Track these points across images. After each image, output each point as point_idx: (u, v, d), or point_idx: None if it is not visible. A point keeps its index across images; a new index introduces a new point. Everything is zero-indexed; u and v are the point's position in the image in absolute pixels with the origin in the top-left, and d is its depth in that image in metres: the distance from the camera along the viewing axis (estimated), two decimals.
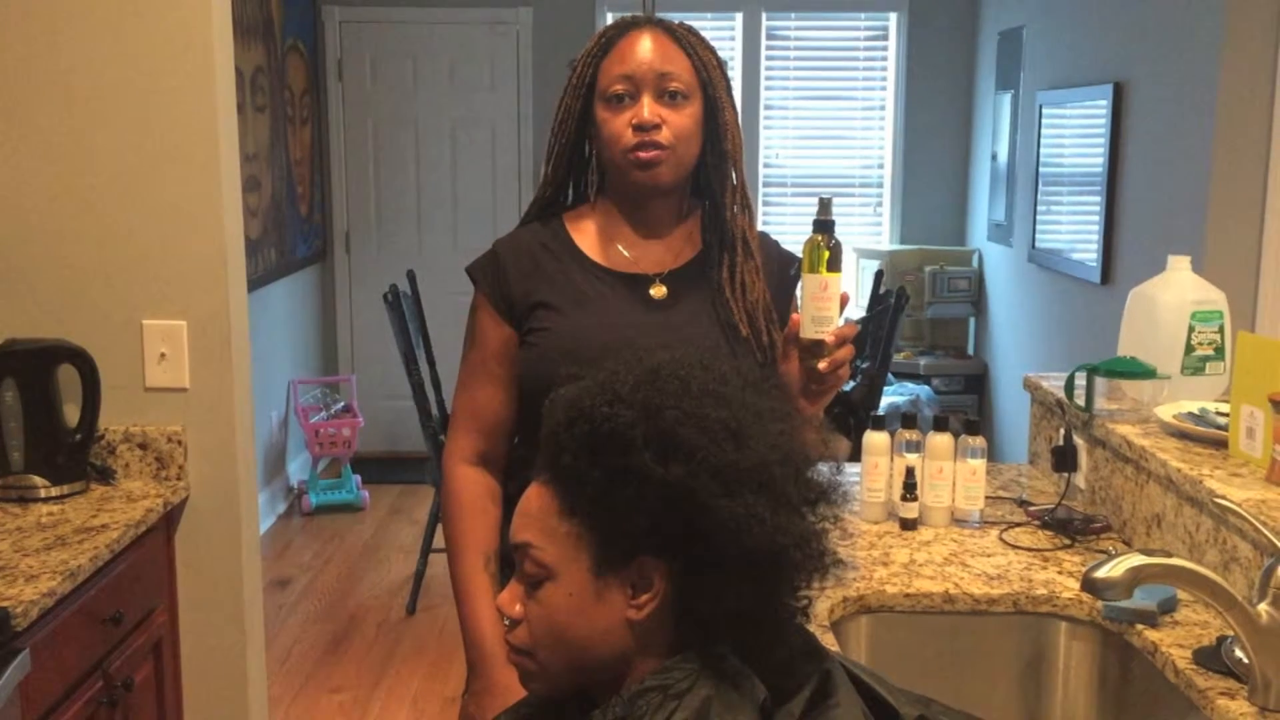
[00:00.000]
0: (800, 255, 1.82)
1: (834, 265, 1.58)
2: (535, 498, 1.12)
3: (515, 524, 1.13)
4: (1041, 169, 5.08)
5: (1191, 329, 2.28)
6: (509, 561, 1.17)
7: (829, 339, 1.57)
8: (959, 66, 6.17)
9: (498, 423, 1.73)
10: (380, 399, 6.08)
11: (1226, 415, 2.08)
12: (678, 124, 1.65)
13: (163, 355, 2.36)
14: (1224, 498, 1.74)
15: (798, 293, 1.81)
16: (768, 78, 6.21)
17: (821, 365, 1.58)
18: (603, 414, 1.07)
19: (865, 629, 1.95)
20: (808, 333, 1.58)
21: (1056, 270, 4.92)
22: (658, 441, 1.05)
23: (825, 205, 1.60)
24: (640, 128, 1.63)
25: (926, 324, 6.13)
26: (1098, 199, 4.42)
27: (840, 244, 1.59)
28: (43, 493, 2.24)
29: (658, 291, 1.70)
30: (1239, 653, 1.60)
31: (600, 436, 1.06)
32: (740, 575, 1.06)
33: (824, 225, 1.59)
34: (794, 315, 1.61)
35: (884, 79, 6.24)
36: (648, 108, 1.64)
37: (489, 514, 1.72)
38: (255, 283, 4.72)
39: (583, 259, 1.71)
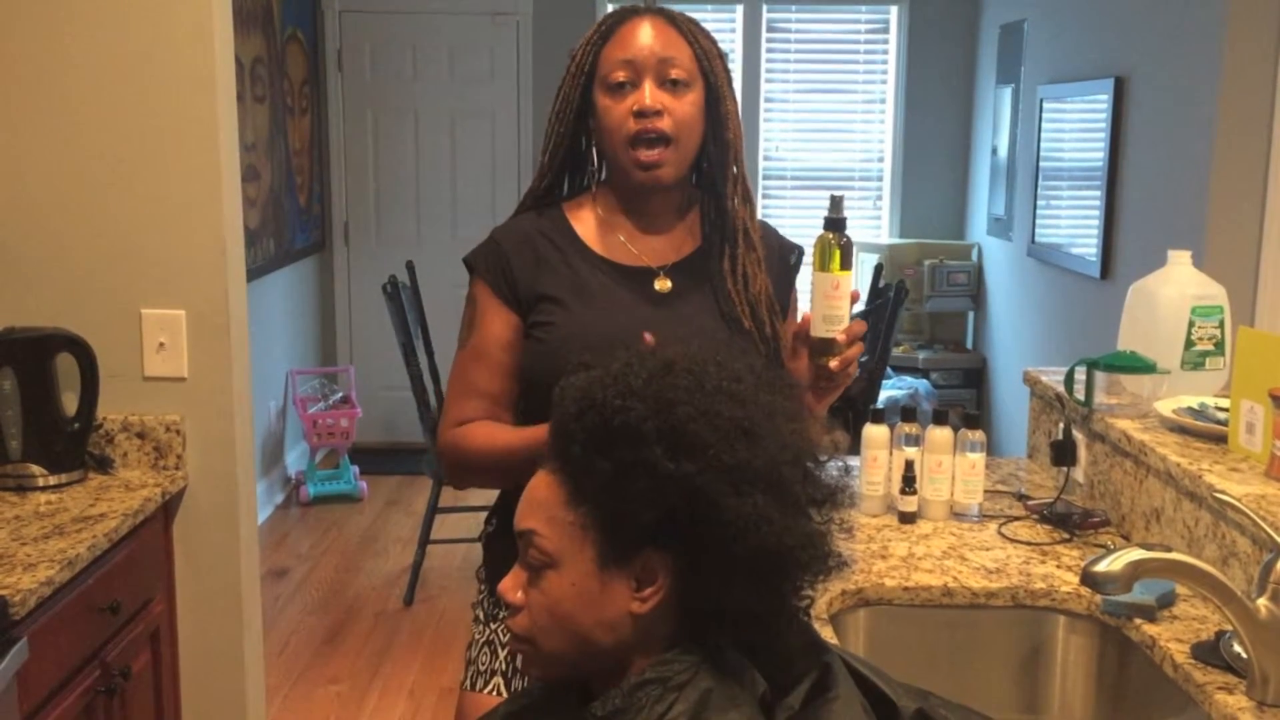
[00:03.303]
0: (800, 245, 1.83)
1: (845, 263, 1.57)
2: (542, 486, 1.11)
3: (520, 510, 1.13)
4: (1042, 163, 5.07)
5: (1192, 324, 2.27)
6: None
7: (840, 337, 1.57)
8: (959, 60, 6.17)
9: (497, 400, 1.69)
10: (378, 390, 6.08)
11: (1226, 410, 2.08)
12: (679, 111, 1.63)
13: (161, 344, 2.35)
14: (1224, 493, 1.74)
15: (800, 284, 1.80)
16: (768, 70, 6.20)
17: (833, 364, 1.57)
18: (615, 406, 1.06)
19: (864, 622, 1.95)
20: (819, 331, 1.57)
21: (1056, 265, 4.91)
22: (669, 437, 1.05)
23: (837, 203, 1.59)
24: (641, 114, 1.62)
25: (925, 318, 6.13)
26: (1098, 193, 4.41)
27: (851, 242, 1.58)
28: (40, 481, 2.23)
29: (662, 285, 1.68)
30: (1237, 647, 1.60)
31: (611, 429, 1.06)
32: (745, 573, 1.06)
33: (835, 223, 1.57)
34: (805, 313, 1.60)
35: (884, 72, 6.23)
36: (649, 94, 1.62)
37: (502, 424, 1.68)
38: (254, 273, 4.72)
39: (584, 250, 1.70)
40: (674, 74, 1.63)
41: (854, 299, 1.59)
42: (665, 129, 1.62)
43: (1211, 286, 2.33)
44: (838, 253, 1.56)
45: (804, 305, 1.68)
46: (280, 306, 5.46)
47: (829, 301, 1.56)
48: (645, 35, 1.64)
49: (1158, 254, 2.49)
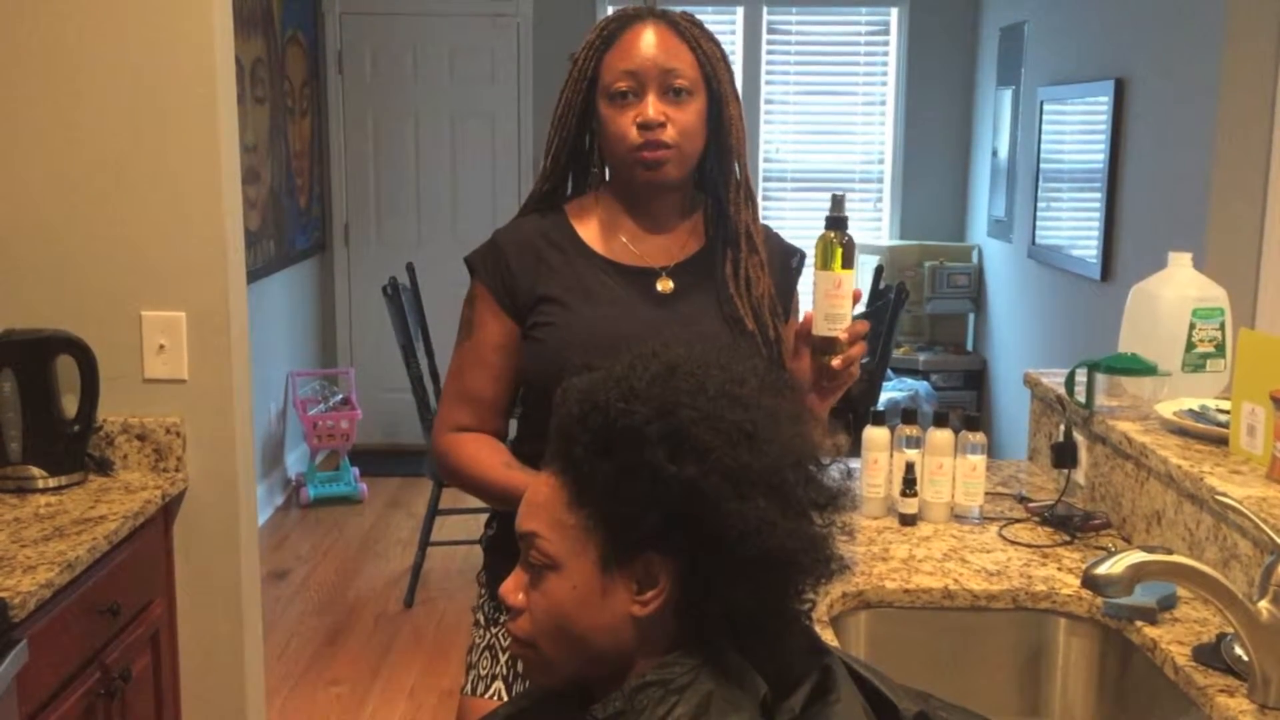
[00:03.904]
0: (800, 247, 1.82)
1: (847, 262, 1.57)
2: (544, 488, 1.11)
3: (522, 513, 1.13)
4: (1042, 165, 5.07)
5: (1192, 326, 2.27)
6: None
7: (842, 336, 1.57)
8: (960, 62, 6.17)
9: (489, 407, 1.71)
10: (379, 391, 6.08)
11: (1227, 412, 2.08)
12: (682, 121, 1.63)
13: (161, 346, 2.35)
14: (1225, 495, 1.73)
15: (801, 287, 1.80)
16: (768, 72, 6.20)
17: (835, 362, 1.57)
18: (618, 409, 1.06)
19: (864, 624, 1.95)
20: (820, 330, 1.57)
21: (1057, 266, 4.91)
22: (671, 440, 1.05)
23: (838, 202, 1.59)
24: (645, 126, 1.61)
25: (926, 319, 6.13)
26: (1098, 195, 4.41)
27: (853, 240, 1.59)
28: (40, 483, 2.23)
29: (664, 286, 1.68)
30: (1239, 650, 1.59)
31: (614, 431, 1.06)
32: (747, 577, 1.05)
33: (837, 222, 1.58)
34: (806, 312, 1.60)
35: (885, 74, 6.23)
36: (652, 106, 1.61)
37: (494, 441, 1.69)
38: (254, 275, 4.72)
39: (587, 251, 1.70)
40: (677, 83, 1.62)
41: (856, 298, 1.59)
42: (668, 140, 1.62)
43: (1212, 288, 2.33)
44: (840, 251, 1.56)
45: (806, 307, 1.68)
46: (280, 308, 5.46)
47: (831, 300, 1.56)
48: (648, 44, 1.63)
49: (1158, 256, 2.48)
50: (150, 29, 2.28)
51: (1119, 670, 1.86)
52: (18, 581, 1.80)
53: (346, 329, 6.28)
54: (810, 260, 1.68)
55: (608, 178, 1.73)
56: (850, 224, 1.60)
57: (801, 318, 1.63)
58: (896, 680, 1.17)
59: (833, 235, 1.57)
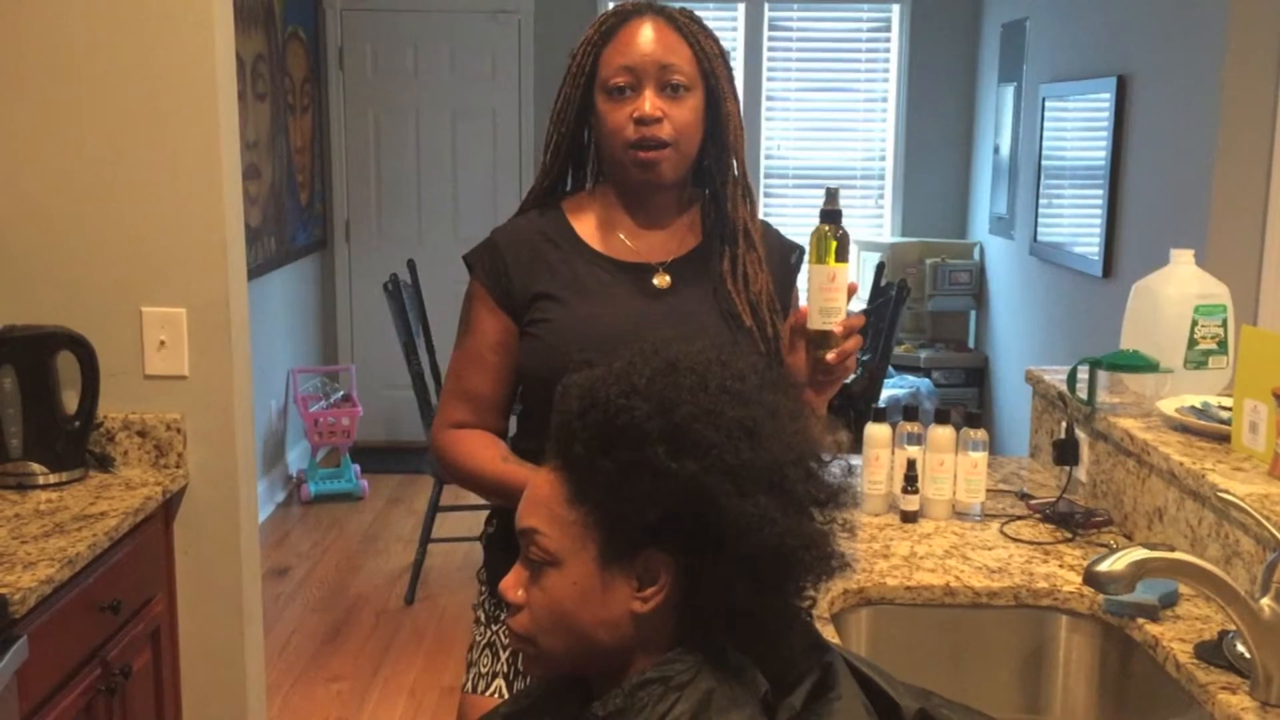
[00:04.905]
0: (800, 244, 1.82)
1: (841, 256, 1.57)
2: (544, 484, 1.11)
3: (522, 509, 1.13)
4: (1044, 162, 5.07)
5: (1194, 323, 2.27)
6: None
7: (837, 330, 1.56)
8: (962, 58, 6.16)
9: (488, 405, 1.71)
10: (380, 388, 6.08)
11: (1229, 409, 2.08)
12: (679, 117, 1.63)
13: (162, 342, 2.35)
14: (1227, 492, 1.73)
15: (800, 283, 1.80)
16: (770, 69, 6.19)
17: (830, 356, 1.57)
18: (618, 405, 1.06)
19: (866, 621, 1.95)
20: (815, 324, 1.57)
21: (1058, 264, 4.91)
22: (672, 436, 1.04)
23: (832, 195, 1.59)
24: (642, 121, 1.61)
25: (927, 317, 6.12)
26: (1100, 192, 4.41)
27: (847, 234, 1.58)
28: (41, 480, 2.23)
29: (661, 281, 1.68)
30: (1240, 647, 1.59)
31: (614, 428, 1.06)
32: (748, 574, 1.05)
33: (831, 215, 1.57)
34: (801, 306, 1.60)
35: (886, 71, 6.23)
36: (649, 101, 1.61)
37: (492, 437, 1.70)
38: (255, 271, 4.71)
39: (584, 248, 1.70)
40: (674, 79, 1.62)
41: (851, 291, 1.58)
42: (665, 136, 1.61)
43: (1214, 285, 2.32)
44: (834, 245, 1.56)
45: (803, 302, 1.67)
46: (281, 305, 5.46)
47: (825, 294, 1.56)
48: (645, 40, 1.63)
49: (1160, 253, 2.48)
50: (151, 25, 2.28)
51: (1120, 667, 1.86)
52: (18, 578, 1.80)
53: (348, 325, 6.28)
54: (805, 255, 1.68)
55: (604, 173, 1.73)
56: (852, 221, 1.60)
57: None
58: (898, 677, 1.17)
59: (827, 229, 1.57)
